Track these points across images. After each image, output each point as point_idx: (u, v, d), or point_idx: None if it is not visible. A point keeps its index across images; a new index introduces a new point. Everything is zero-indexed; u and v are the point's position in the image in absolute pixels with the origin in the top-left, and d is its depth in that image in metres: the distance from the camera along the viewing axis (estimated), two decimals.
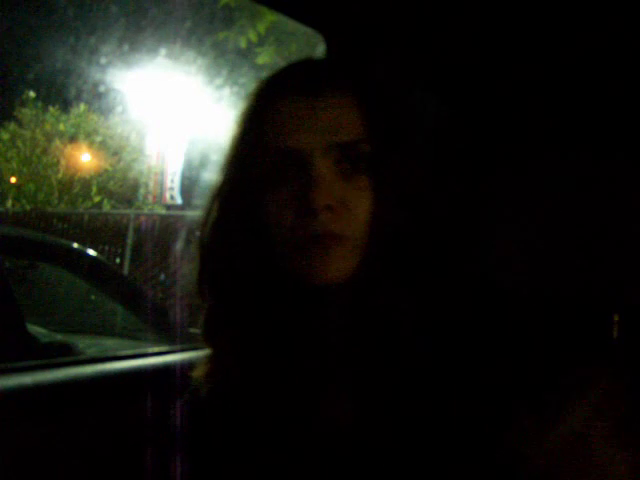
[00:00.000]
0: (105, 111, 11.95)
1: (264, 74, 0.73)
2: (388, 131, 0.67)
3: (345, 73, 0.71)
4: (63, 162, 11.70)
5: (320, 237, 0.62)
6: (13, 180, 11.68)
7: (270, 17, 5.05)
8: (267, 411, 0.65)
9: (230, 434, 0.67)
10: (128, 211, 9.17)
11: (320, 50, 1.10)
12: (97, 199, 11.54)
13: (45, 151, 11.69)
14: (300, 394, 0.64)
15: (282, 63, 0.75)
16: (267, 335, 0.67)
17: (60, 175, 11.64)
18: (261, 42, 5.38)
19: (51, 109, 11.86)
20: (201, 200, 0.73)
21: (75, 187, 11.72)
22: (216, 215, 0.70)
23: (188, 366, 0.73)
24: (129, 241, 7.81)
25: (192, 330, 0.81)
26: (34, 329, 2.20)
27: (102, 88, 10.69)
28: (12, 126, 11.76)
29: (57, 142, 11.70)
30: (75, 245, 2.92)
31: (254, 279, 0.67)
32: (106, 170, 11.98)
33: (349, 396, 0.62)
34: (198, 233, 0.71)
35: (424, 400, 0.59)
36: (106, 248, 8.01)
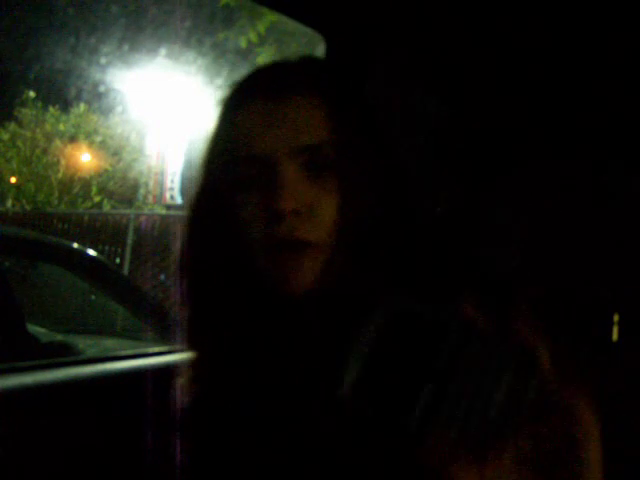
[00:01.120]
0: (105, 111, 11.98)
1: None
2: (355, 133, 0.66)
3: (311, 76, 0.70)
4: (63, 162, 11.71)
5: (288, 243, 0.62)
6: (13, 180, 11.69)
7: (270, 17, 5.06)
8: (250, 416, 0.64)
9: (217, 439, 0.67)
10: (128, 211, 9.18)
11: (320, 50, 1.10)
12: (97, 199, 11.55)
13: (45, 151, 11.70)
14: (280, 398, 0.64)
15: None
16: (244, 340, 0.67)
17: (60, 175, 11.65)
18: (261, 42, 5.39)
19: (51, 109, 11.87)
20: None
21: (75, 187, 11.73)
22: (192, 223, 0.70)
23: None
24: (129, 241, 7.82)
25: None
26: (34, 329, 2.21)
27: (102, 88, 10.71)
28: (12, 126, 11.77)
29: (57, 142, 11.71)
30: (75, 245, 2.92)
31: (230, 285, 0.67)
32: (106, 170, 11.99)
33: (331, 398, 0.62)
34: (179, 242, 0.71)
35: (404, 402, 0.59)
36: (106, 248, 8.02)
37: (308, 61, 0.72)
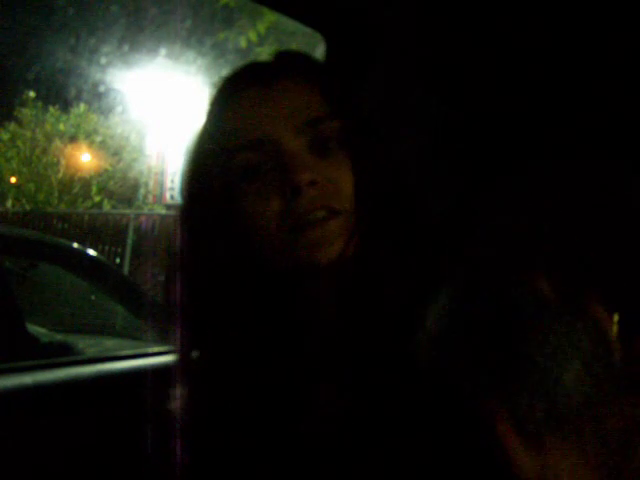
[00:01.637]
0: (105, 111, 11.98)
1: None
2: (351, 108, 0.67)
3: (294, 62, 0.71)
4: (63, 162, 11.72)
5: (311, 214, 0.60)
6: (13, 180, 11.70)
7: (270, 17, 5.06)
8: (251, 417, 0.64)
9: (220, 433, 0.66)
10: (128, 211, 9.19)
11: (320, 50, 1.10)
12: (97, 199, 11.56)
13: (45, 151, 11.71)
14: (283, 400, 0.63)
15: None
16: (259, 334, 0.66)
17: (60, 175, 11.66)
18: (261, 42, 5.38)
19: (51, 109, 11.87)
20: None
21: (75, 187, 11.74)
22: (190, 223, 0.68)
23: None
24: (129, 241, 7.82)
25: None
26: (34, 329, 2.21)
27: (102, 88, 10.70)
28: (12, 126, 11.78)
29: (57, 142, 11.71)
30: (75, 245, 2.92)
31: (240, 280, 0.65)
32: (106, 170, 12.00)
33: (343, 392, 0.61)
34: (172, 250, 0.70)
35: (419, 396, 0.58)
36: (106, 248, 8.02)
37: (289, 52, 0.73)
